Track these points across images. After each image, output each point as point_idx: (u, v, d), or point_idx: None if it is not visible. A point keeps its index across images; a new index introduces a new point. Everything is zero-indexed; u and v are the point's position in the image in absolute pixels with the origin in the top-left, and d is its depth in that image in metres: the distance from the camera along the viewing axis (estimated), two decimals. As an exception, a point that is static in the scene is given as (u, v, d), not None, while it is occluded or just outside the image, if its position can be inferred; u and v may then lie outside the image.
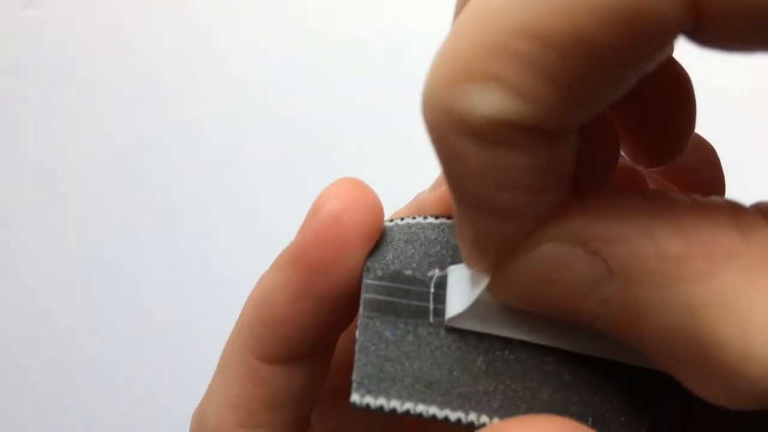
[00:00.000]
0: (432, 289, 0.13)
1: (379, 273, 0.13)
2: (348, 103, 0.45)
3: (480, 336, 0.13)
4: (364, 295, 0.13)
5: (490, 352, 0.13)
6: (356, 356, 0.12)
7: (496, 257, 0.12)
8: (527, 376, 0.13)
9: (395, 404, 0.12)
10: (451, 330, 0.13)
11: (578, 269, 0.11)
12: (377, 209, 0.14)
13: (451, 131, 0.10)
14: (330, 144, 0.44)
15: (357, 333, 0.13)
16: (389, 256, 0.14)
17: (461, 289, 0.13)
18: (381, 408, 0.12)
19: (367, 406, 0.12)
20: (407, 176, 0.40)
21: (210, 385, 0.16)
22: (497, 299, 0.12)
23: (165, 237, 0.46)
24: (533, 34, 0.09)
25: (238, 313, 0.16)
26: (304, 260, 0.14)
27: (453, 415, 0.12)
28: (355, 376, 0.12)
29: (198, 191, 0.46)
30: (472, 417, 0.12)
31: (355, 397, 0.12)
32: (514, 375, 0.13)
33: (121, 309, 0.46)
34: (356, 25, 0.45)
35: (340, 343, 0.16)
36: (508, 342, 0.13)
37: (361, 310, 0.13)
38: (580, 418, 0.13)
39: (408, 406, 0.12)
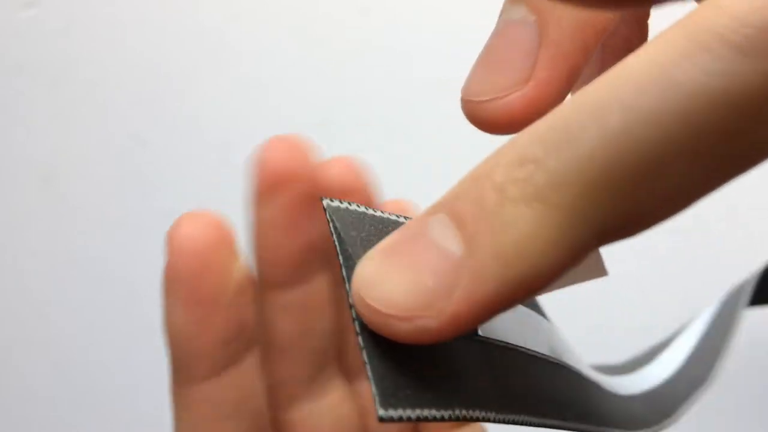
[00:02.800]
0: None
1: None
2: (348, 104, 0.45)
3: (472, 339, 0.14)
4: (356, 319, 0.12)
5: (481, 352, 0.13)
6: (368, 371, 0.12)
7: None
8: (508, 371, 0.14)
9: (426, 413, 0.11)
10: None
11: None
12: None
13: None
14: (331, 144, 0.44)
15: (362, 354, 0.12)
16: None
17: None
18: (410, 419, 0.11)
19: (399, 419, 0.11)
20: (406, 176, 0.40)
21: None
22: None
23: (164, 237, 0.46)
24: None
25: None
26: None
27: (466, 413, 0.12)
28: (375, 391, 0.11)
29: (198, 191, 0.46)
30: (478, 414, 0.12)
31: (381, 413, 0.11)
32: (501, 370, 0.13)
33: (122, 309, 0.46)
34: (356, 24, 0.45)
35: None
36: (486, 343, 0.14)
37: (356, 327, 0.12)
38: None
39: (431, 413, 0.11)
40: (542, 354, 0.15)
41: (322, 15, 0.45)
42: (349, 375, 0.19)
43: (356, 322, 0.12)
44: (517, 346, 0.15)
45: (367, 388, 0.19)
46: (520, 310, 0.15)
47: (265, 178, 0.16)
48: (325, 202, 0.14)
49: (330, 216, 0.13)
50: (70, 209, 0.46)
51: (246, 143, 0.45)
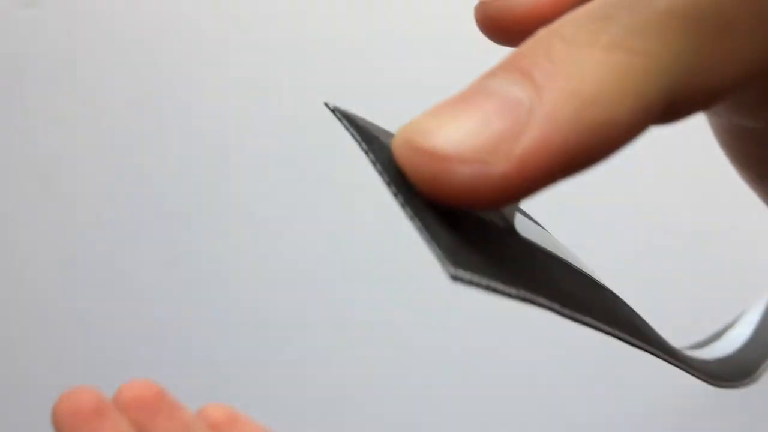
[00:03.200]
0: None
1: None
2: (348, 103, 0.45)
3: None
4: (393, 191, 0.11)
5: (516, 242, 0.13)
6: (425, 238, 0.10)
7: None
8: (557, 275, 0.13)
9: (493, 284, 0.10)
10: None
11: None
12: None
13: None
14: (330, 145, 0.44)
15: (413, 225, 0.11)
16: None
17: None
18: (479, 285, 0.10)
19: (470, 283, 0.10)
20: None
21: None
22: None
23: (165, 237, 0.46)
24: None
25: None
26: None
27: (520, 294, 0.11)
28: (440, 253, 0.10)
29: (198, 191, 0.46)
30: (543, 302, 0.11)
31: (451, 271, 0.10)
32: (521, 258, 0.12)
33: (122, 309, 0.46)
34: (354, 25, 0.45)
35: None
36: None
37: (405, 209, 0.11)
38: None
39: (498, 286, 0.10)
40: (585, 272, 0.14)
41: (321, 17, 0.45)
42: None
43: (400, 194, 0.10)
44: (560, 257, 0.14)
45: None
46: (546, 232, 0.14)
47: (61, 418, 0.24)
48: (330, 104, 0.13)
49: (339, 114, 0.13)
50: (70, 209, 0.46)
51: (246, 143, 0.46)
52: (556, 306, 0.11)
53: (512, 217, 0.13)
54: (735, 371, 0.18)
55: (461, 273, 0.09)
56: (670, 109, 0.10)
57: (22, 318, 0.47)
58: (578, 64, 0.10)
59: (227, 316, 0.45)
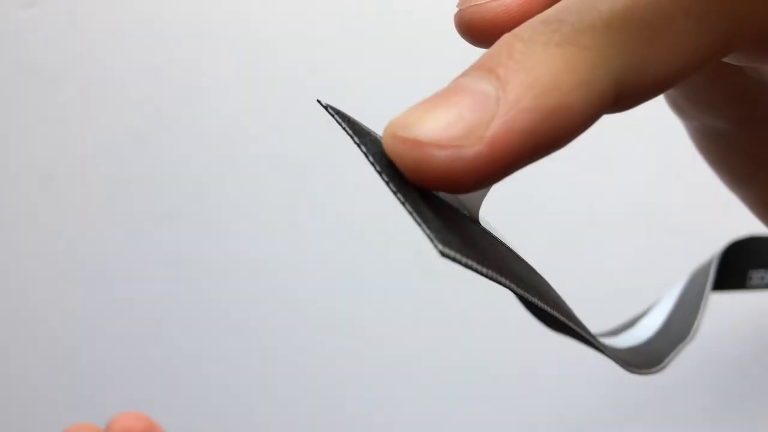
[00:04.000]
0: None
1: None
2: (348, 102, 0.45)
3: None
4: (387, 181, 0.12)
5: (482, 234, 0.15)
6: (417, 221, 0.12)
7: None
8: (514, 263, 0.14)
9: (470, 263, 0.11)
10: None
11: None
12: None
13: None
14: (331, 144, 0.44)
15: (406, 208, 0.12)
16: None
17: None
18: (460, 263, 0.11)
19: (454, 260, 0.11)
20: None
21: None
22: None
23: (164, 237, 0.46)
24: None
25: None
26: None
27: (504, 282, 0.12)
28: (430, 233, 0.11)
29: (198, 191, 0.46)
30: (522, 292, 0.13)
31: (441, 248, 0.11)
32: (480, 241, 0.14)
33: (121, 309, 0.46)
34: (354, 26, 0.45)
35: None
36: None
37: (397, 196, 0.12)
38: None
39: (474, 265, 0.12)
40: (527, 262, 0.16)
41: (320, 17, 0.45)
42: None
43: (392, 182, 0.12)
44: (512, 248, 0.15)
45: None
46: (497, 231, 0.16)
47: None
48: (323, 102, 0.14)
49: (332, 110, 0.14)
50: (70, 209, 0.46)
51: (245, 143, 0.46)
52: (513, 286, 0.12)
53: (477, 214, 0.15)
54: (645, 360, 0.19)
55: (447, 250, 0.11)
56: (619, 96, 0.12)
57: (21, 318, 0.47)
58: (535, 59, 0.11)
59: (227, 317, 0.45)
